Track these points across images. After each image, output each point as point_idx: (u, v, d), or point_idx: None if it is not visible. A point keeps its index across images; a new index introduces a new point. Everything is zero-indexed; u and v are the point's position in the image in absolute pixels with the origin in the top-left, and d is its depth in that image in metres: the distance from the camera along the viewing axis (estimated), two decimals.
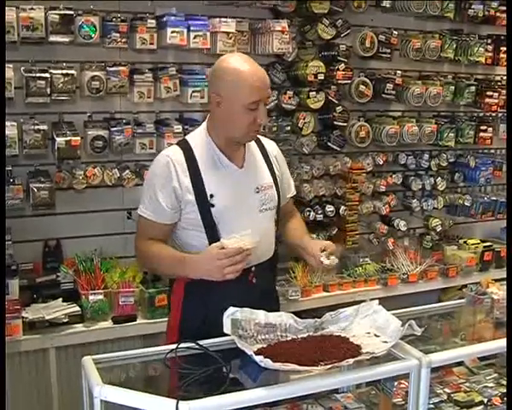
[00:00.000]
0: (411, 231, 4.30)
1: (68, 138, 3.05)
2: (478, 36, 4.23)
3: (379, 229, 4.06)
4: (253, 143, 2.42)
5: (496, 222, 4.52)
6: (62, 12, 2.98)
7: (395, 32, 3.92)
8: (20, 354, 2.90)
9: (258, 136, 2.43)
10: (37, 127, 3.04)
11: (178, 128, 3.30)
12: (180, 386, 1.85)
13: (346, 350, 1.90)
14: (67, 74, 3.05)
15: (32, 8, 2.91)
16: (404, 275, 3.87)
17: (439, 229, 4.27)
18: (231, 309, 2.04)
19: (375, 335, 2.04)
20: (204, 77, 3.35)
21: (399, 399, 2.22)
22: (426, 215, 4.33)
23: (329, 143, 3.83)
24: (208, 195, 2.25)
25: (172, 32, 3.19)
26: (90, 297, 3.04)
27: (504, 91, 4.29)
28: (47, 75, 3.00)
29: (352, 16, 3.80)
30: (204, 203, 2.24)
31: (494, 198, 4.48)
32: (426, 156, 4.20)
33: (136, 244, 2.38)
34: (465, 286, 2.81)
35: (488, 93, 4.30)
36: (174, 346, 2.02)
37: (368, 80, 3.87)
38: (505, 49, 4.26)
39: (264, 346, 1.98)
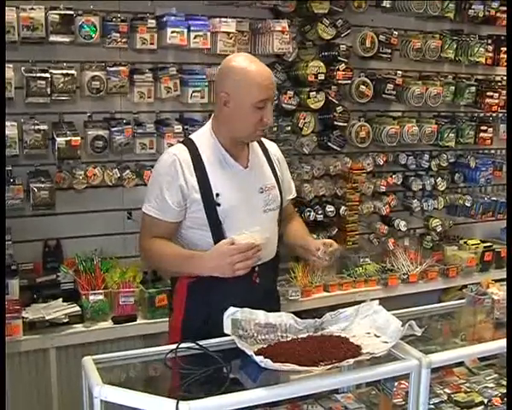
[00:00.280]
0: (412, 231, 4.30)
1: (68, 138, 3.05)
2: (478, 36, 4.23)
3: (379, 229, 4.06)
4: (255, 144, 2.43)
5: (496, 222, 4.52)
6: (62, 12, 2.98)
7: (395, 33, 3.92)
8: (21, 354, 2.91)
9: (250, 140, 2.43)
10: (37, 127, 3.04)
11: (179, 128, 3.30)
12: (180, 386, 1.85)
13: (346, 350, 1.90)
14: (68, 74, 3.05)
15: (32, 8, 2.91)
16: (404, 275, 3.87)
17: (439, 229, 4.27)
18: (231, 309, 2.04)
19: (376, 335, 2.03)
20: (204, 77, 3.36)
21: (399, 399, 2.21)
22: (426, 215, 4.33)
23: (330, 144, 3.83)
24: (214, 194, 2.25)
25: (173, 32, 3.19)
26: (91, 297, 3.04)
27: (504, 92, 4.29)
28: (47, 75, 3.00)
29: (352, 16, 3.80)
30: (210, 202, 2.25)
31: (494, 198, 4.48)
32: (426, 157, 4.20)
33: (141, 243, 2.38)
34: (465, 286, 2.81)
35: (488, 93, 4.30)
36: (174, 346, 2.02)
37: (368, 80, 3.87)
38: (505, 49, 4.25)
39: (265, 346, 1.97)
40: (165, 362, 1.98)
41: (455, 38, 4.13)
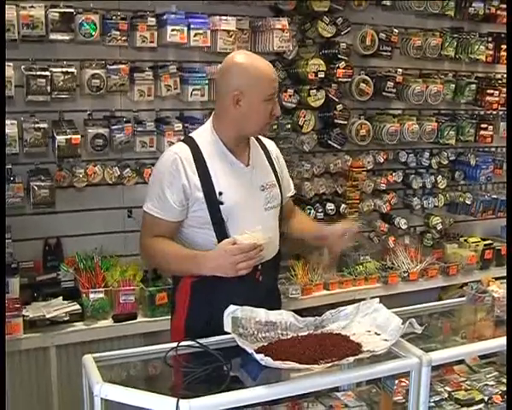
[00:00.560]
0: (412, 229, 4.29)
1: (69, 137, 3.05)
2: (478, 34, 4.23)
3: (379, 227, 4.05)
4: (255, 142, 2.43)
5: (496, 220, 4.52)
6: (62, 10, 2.98)
7: (395, 30, 3.92)
8: (21, 352, 2.90)
9: (258, 135, 2.45)
10: (37, 125, 3.04)
11: (179, 126, 3.30)
12: (181, 384, 1.85)
13: (347, 348, 1.90)
14: (68, 72, 3.05)
15: (32, 6, 2.91)
16: (404, 273, 3.87)
17: (439, 227, 4.27)
18: (232, 307, 2.04)
19: (376, 333, 2.04)
20: (204, 75, 3.35)
21: (400, 397, 2.21)
22: (426, 213, 4.33)
23: (330, 141, 3.83)
24: (217, 192, 2.25)
25: (173, 30, 3.18)
26: (91, 296, 3.04)
27: (505, 89, 4.28)
28: (47, 73, 3.00)
29: (352, 14, 3.80)
30: (213, 201, 2.24)
31: (495, 196, 4.48)
32: (426, 154, 4.20)
33: (142, 242, 2.37)
34: (466, 284, 2.80)
35: (489, 91, 4.29)
36: (174, 344, 2.02)
37: (368, 78, 3.87)
38: (506, 47, 4.25)
39: (265, 344, 1.98)
40: (165, 360, 1.98)
41: (455, 35, 4.12)
